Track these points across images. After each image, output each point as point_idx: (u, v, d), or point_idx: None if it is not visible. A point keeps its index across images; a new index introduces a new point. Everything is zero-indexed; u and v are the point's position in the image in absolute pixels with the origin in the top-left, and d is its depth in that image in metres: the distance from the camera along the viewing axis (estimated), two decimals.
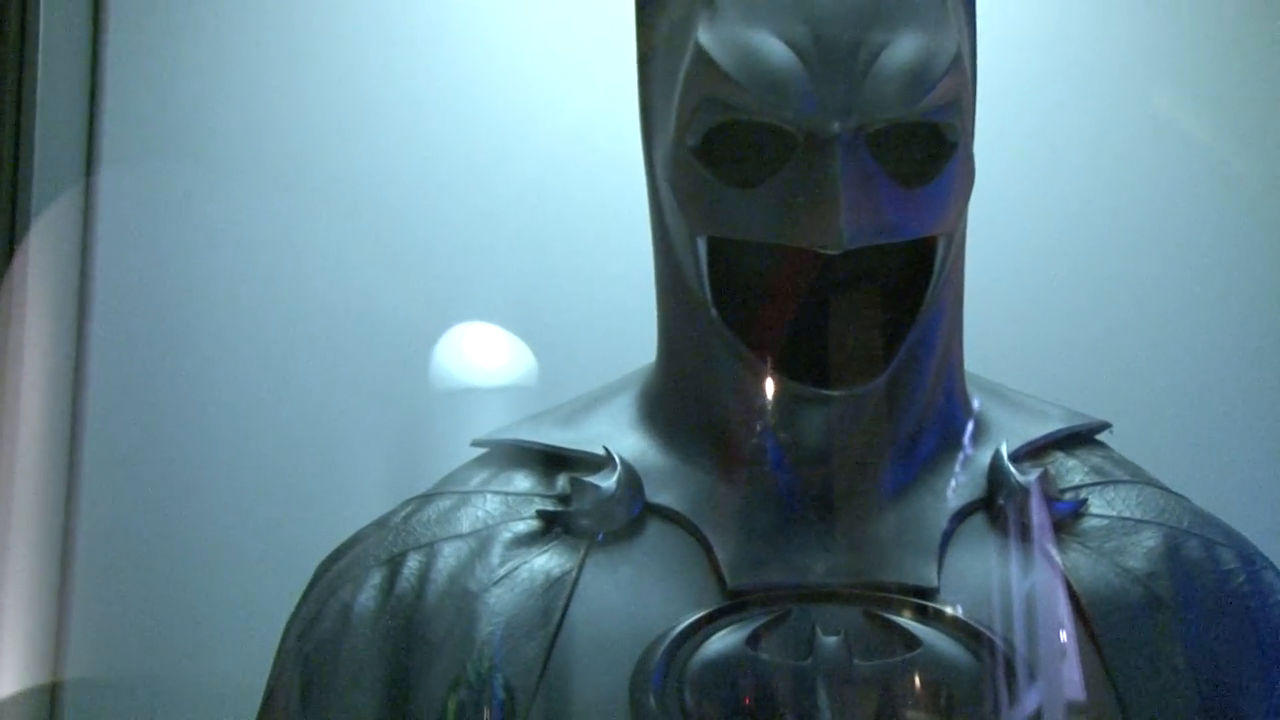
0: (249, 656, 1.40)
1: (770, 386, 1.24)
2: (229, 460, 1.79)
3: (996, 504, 1.28)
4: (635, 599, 1.22)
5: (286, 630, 1.32)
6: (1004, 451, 1.30)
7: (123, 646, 1.76)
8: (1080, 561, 1.26)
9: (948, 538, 1.25)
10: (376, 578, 1.27)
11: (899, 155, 1.22)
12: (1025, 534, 1.26)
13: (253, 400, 1.80)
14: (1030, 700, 1.19)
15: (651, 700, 1.17)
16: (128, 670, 1.75)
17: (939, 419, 1.30)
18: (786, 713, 1.16)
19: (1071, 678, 1.21)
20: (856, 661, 1.18)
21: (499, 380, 1.81)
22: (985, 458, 1.30)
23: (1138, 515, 1.29)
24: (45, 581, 1.75)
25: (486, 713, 1.19)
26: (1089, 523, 1.29)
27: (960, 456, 1.30)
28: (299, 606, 1.33)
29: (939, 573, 1.23)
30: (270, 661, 1.32)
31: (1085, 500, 1.31)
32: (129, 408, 1.80)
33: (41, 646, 1.73)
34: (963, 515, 1.28)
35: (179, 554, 1.78)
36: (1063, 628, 1.22)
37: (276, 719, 1.29)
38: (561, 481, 1.31)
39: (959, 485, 1.28)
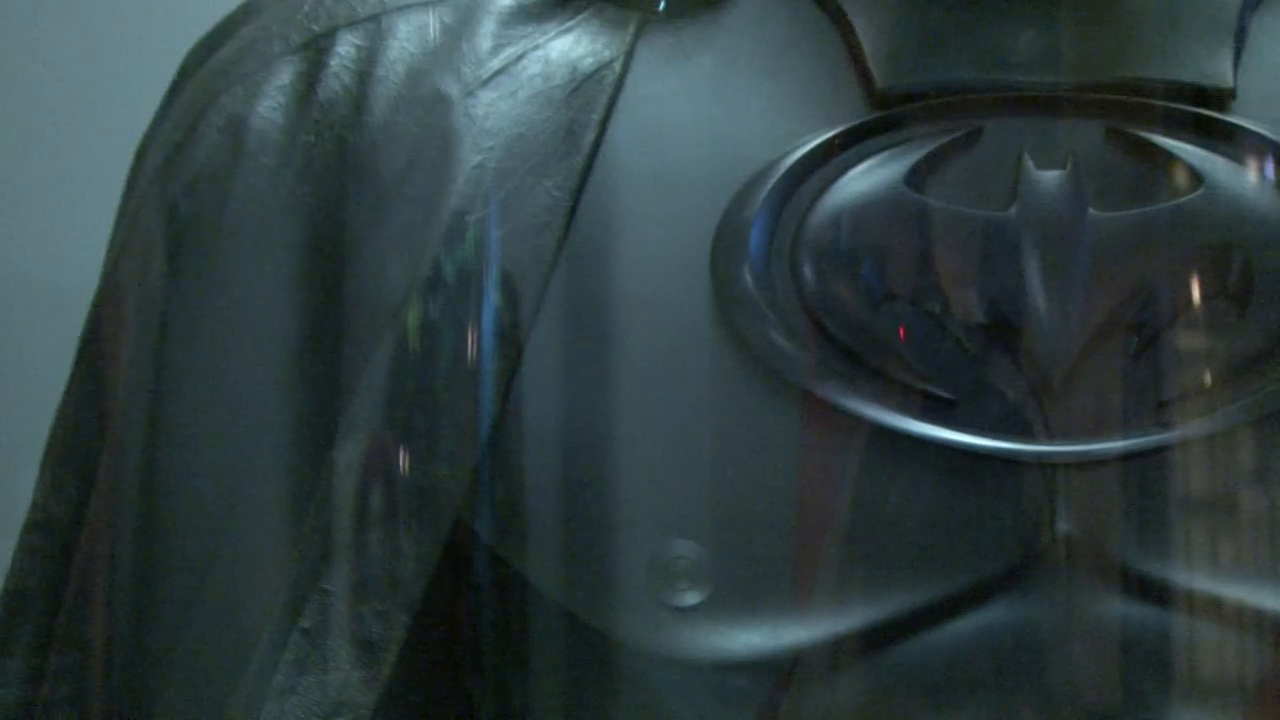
0: (73, 228, 1.20)
1: None
2: None
3: None
4: (720, 109, 0.92)
5: (137, 161, 1.02)
6: None
7: None
8: None
9: (1250, 11, 0.93)
10: (285, 74, 0.97)
11: None
12: None
13: None
14: None
15: (746, 275, 0.86)
16: None
17: None
18: (970, 294, 0.85)
19: None
20: (1091, 211, 0.85)
21: None
22: None
23: None
24: None
25: (471, 331, 0.90)
26: None
27: None
28: (156, 124, 1.02)
29: (1235, 67, 0.91)
30: (109, 226, 1.03)
31: None
32: None
33: None
34: None
35: None
36: None
37: (123, 303, 0.99)
38: None
39: None
